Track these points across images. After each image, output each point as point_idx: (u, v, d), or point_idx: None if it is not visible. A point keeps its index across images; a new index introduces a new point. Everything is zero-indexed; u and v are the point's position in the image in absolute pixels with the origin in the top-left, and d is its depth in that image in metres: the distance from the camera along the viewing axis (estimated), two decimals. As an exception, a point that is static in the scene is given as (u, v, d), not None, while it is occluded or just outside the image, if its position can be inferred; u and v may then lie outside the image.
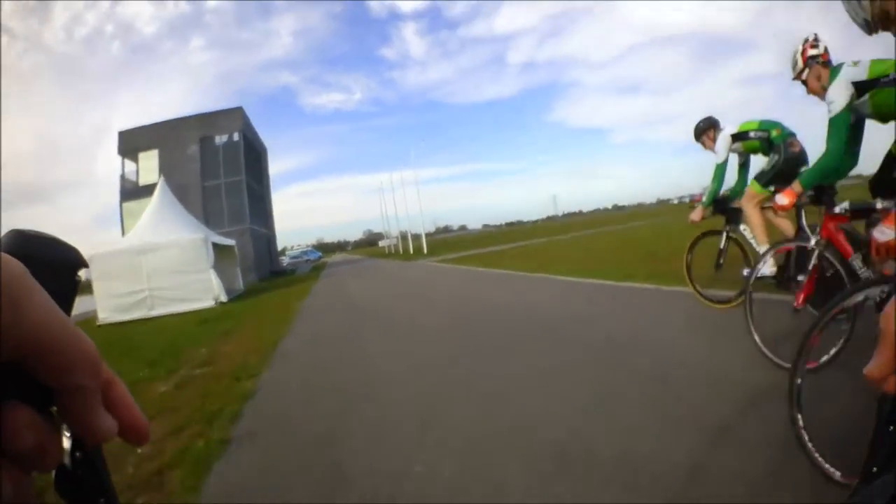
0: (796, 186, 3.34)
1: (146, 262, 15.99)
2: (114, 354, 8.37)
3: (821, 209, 3.01)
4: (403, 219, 47.32)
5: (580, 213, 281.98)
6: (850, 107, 3.17)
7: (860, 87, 3.15)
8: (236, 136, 30.39)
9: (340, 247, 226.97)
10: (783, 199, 3.35)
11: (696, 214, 4.90)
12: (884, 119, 3.21)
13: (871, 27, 1.45)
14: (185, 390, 5.00)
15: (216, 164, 29.56)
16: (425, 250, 33.93)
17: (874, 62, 3.14)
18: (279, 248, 55.07)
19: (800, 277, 3.23)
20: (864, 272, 2.80)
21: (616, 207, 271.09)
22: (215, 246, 18.78)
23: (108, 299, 15.29)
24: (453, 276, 14.33)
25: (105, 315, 15.11)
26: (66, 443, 0.27)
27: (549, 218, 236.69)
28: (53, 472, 0.27)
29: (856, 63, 3.21)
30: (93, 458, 0.28)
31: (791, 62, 3.60)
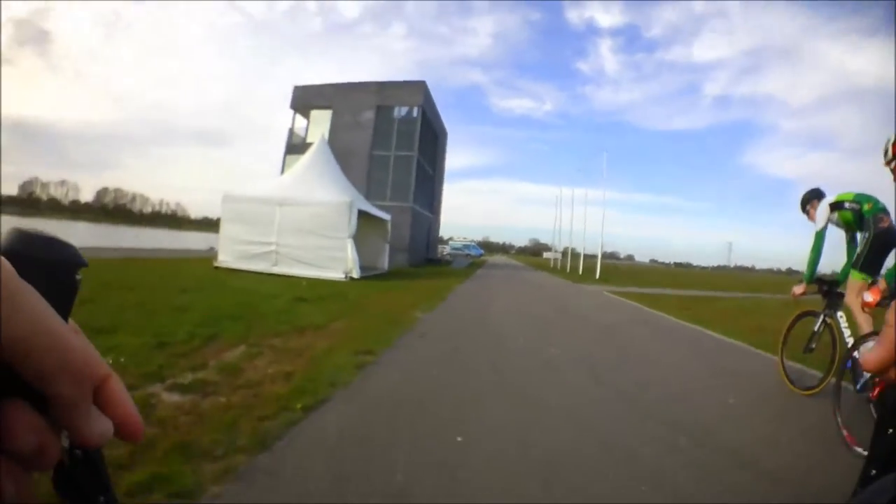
0: (882, 284, 3.49)
1: (282, 215, 14.27)
2: (171, 303, 6.64)
3: None
4: (573, 235, 42.25)
5: (752, 268, 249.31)
6: (826, 224, 3.66)
7: (837, 205, 3.62)
8: (415, 112, 28.53)
9: (504, 249, 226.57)
10: (869, 296, 3.40)
11: (798, 289, 4.53)
12: None
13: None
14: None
15: (389, 135, 27.99)
16: (597, 274, 28.41)
17: (844, 193, 3.74)
18: (444, 236, 53.69)
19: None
20: None
21: (790, 271, 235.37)
22: (365, 216, 16.64)
23: (233, 244, 14.20)
24: (651, 325, 9.26)
25: (225, 258, 14.01)
26: (65, 441, 0.27)
27: (719, 267, 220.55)
28: (52, 471, 0.26)
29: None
30: (92, 457, 0.27)
31: (883, 149, 3.59)
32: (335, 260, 14.25)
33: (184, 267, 13.28)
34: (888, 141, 3.48)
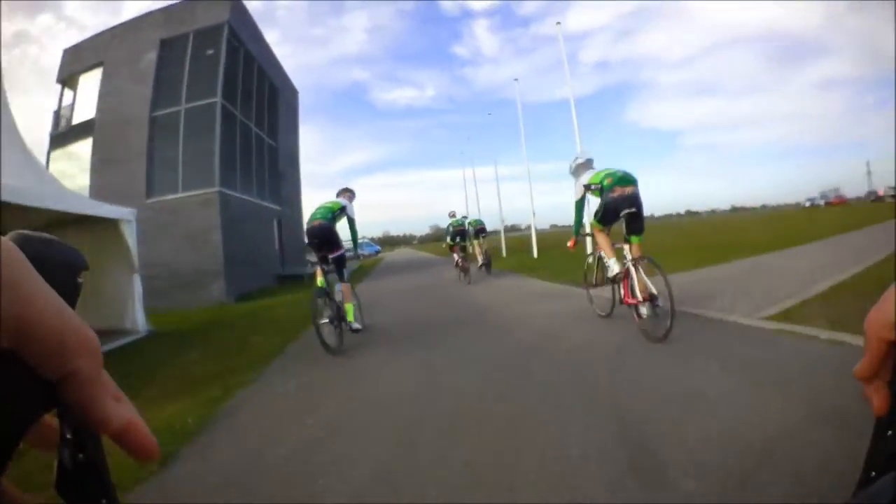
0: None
1: None
2: None
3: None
4: (480, 214, 34.00)
5: (652, 216, 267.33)
6: (583, 195, 5.49)
7: (587, 186, 5.32)
8: (223, 33, 16.96)
9: (406, 241, 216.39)
10: (569, 242, 6.25)
11: (570, 242, 6.28)
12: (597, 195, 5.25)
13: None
14: None
15: (178, 81, 16.30)
16: (535, 252, 19.33)
17: (596, 173, 5.25)
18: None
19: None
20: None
21: (689, 213, 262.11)
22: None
23: None
24: None
25: None
26: (68, 444, 0.27)
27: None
28: (55, 474, 0.27)
29: (591, 169, 5.46)
30: (94, 460, 0.27)
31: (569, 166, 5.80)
32: None
33: None
34: (573, 159, 5.72)
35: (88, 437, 0.27)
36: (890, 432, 0.39)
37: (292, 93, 26.71)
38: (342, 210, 6.10)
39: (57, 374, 0.24)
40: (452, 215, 12.97)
